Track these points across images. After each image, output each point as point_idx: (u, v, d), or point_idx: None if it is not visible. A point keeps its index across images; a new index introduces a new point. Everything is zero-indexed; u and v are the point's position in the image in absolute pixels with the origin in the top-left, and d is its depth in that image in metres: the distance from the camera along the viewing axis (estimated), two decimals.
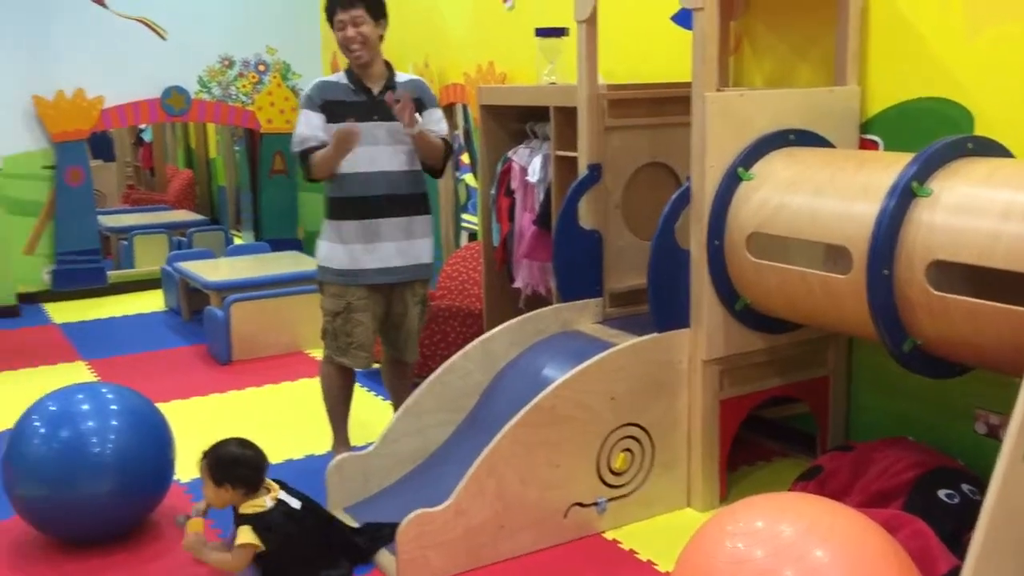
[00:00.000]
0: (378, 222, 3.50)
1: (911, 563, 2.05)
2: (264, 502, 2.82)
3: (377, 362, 3.87)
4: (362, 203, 3.48)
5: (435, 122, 3.62)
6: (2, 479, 3.07)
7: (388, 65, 3.65)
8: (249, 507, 2.80)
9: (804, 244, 3.07)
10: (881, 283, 2.56)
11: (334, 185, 3.50)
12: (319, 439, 3.95)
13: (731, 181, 3.06)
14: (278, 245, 6.86)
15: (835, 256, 3.23)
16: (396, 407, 3.75)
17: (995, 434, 3.04)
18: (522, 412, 2.92)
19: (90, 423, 3.02)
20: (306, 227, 7.52)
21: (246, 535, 2.75)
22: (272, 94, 7.30)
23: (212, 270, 5.86)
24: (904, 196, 2.55)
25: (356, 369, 3.63)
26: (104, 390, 3.20)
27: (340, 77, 3.58)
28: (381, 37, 3.58)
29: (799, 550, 1.98)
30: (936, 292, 2.47)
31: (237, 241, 7.77)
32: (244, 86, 7.27)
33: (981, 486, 2.90)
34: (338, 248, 3.51)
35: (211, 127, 8.99)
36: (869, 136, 3.32)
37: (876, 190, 2.63)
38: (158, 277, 6.74)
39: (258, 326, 5.21)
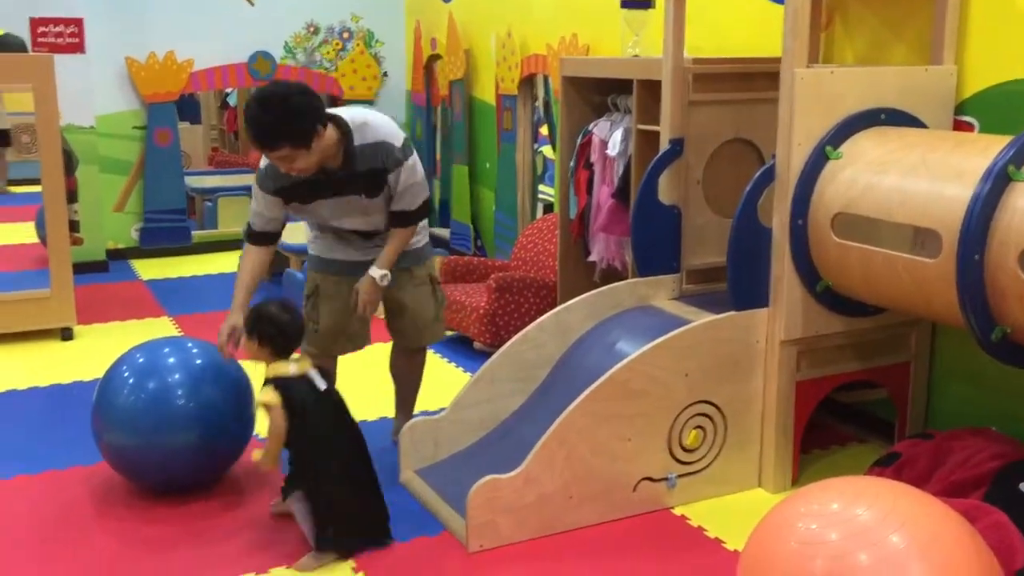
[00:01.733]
0: (356, 243, 3.37)
1: (991, 554, 2.00)
2: (288, 368, 2.88)
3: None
4: (335, 232, 3.35)
5: (403, 192, 3.18)
6: (92, 426, 3.19)
7: (341, 134, 3.05)
8: (273, 369, 2.87)
9: (889, 226, 3.01)
10: (972, 269, 2.50)
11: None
12: (391, 403, 4.01)
13: (818, 159, 3.00)
14: None
15: (921, 239, 3.16)
16: (399, 394, 3.69)
17: None
18: (595, 385, 2.93)
19: (176, 376, 3.12)
20: None
21: (265, 393, 2.82)
22: (355, 61, 7.37)
23: (292, 233, 5.94)
24: (999, 180, 2.47)
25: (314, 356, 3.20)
26: (190, 344, 3.30)
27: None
28: (323, 141, 2.99)
29: (875, 534, 1.96)
30: None
31: None
32: (328, 53, 7.36)
33: None
34: (315, 240, 3.41)
35: None
36: (964, 118, 3.21)
37: (970, 173, 2.55)
38: (240, 238, 6.86)
39: None
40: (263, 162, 3.12)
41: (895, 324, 3.29)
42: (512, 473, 2.85)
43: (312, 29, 7.29)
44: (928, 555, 1.92)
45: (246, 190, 7.82)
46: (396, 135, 3.17)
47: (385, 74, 7.50)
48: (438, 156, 7.20)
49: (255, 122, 2.88)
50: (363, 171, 3.11)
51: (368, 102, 7.45)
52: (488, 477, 2.83)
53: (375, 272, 3.25)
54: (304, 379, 2.88)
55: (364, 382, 4.33)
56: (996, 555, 2.11)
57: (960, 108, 3.21)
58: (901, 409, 3.45)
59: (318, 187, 3.12)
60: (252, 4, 7.06)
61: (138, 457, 3.12)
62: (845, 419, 3.75)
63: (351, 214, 3.25)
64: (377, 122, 3.14)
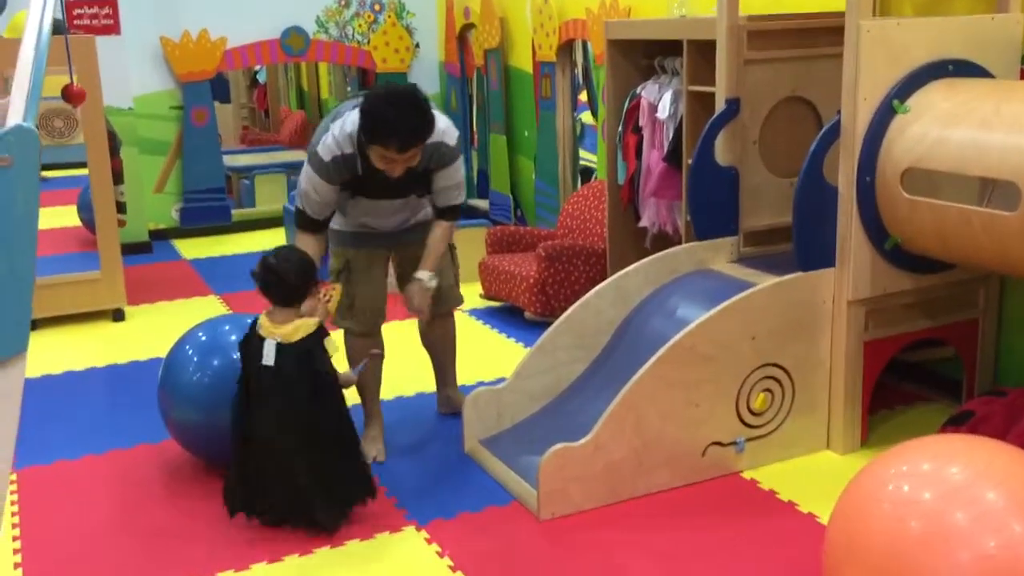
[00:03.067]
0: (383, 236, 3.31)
1: None
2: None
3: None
4: (368, 232, 3.28)
5: (447, 188, 3.17)
6: (158, 404, 3.20)
7: None
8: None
9: (953, 180, 2.94)
10: None
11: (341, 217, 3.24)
12: (430, 376, 4.00)
13: (885, 114, 2.93)
14: None
15: (989, 193, 3.09)
16: (436, 364, 3.64)
17: None
18: (662, 350, 2.90)
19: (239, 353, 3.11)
20: None
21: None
22: (387, 33, 7.31)
23: None
24: None
25: (356, 333, 3.31)
26: (249, 321, 3.29)
27: (348, 148, 2.97)
28: None
29: (970, 493, 1.92)
30: None
31: None
32: (360, 26, 7.31)
33: None
34: (339, 216, 3.24)
35: (323, 68, 9.08)
36: None
37: None
38: (279, 215, 6.89)
39: None
40: (326, 154, 2.97)
41: (963, 280, 3.23)
42: (582, 441, 2.84)
43: (344, 2, 7.24)
44: None
45: (281, 167, 7.84)
46: (452, 133, 3.11)
47: (417, 45, 7.44)
48: (474, 127, 7.15)
49: (406, 124, 2.81)
50: (421, 170, 3.06)
51: (401, 75, 7.41)
52: (559, 445, 2.82)
53: (423, 275, 3.20)
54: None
55: (401, 357, 4.33)
56: None
57: None
58: (969, 366, 3.39)
59: (391, 184, 3.00)
60: None
61: (204, 433, 3.12)
62: (910, 378, 3.70)
63: (403, 210, 3.22)
64: (437, 119, 3.00)
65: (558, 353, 3.37)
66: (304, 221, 3.14)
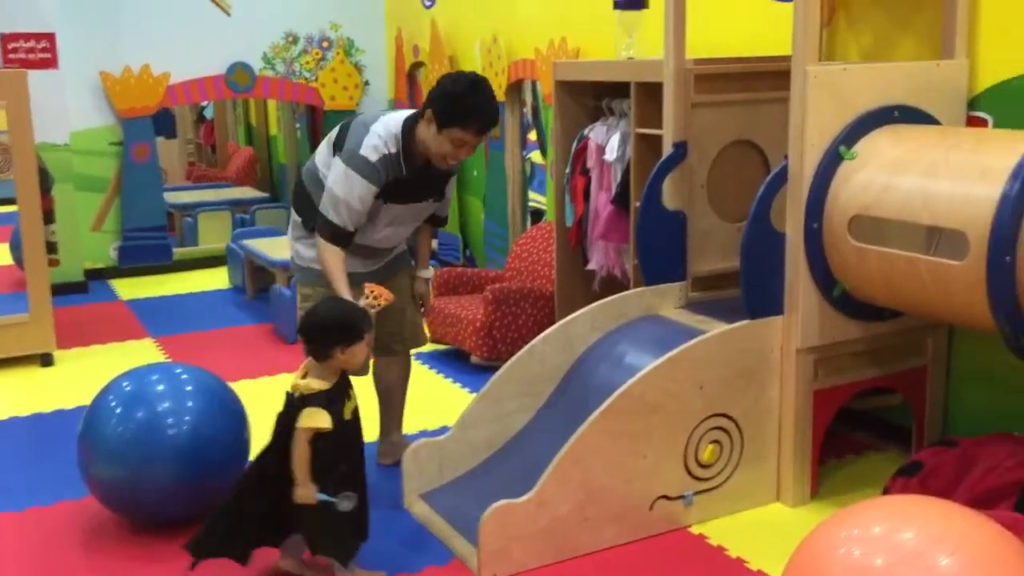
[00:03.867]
0: (376, 261, 3.29)
1: None
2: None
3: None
4: (368, 251, 3.23)
5: (448, 196, 3.31)
6: (77, 458, 3.03)
7: None
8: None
9: (899, 228, 2.91)
10: (1002, 271, 2.39)
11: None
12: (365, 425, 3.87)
13: (832, 160, 2.89)
14: None
15: (936, 241, 3.07)
16: (386, 407, 3.53)
17: None
18: (609, 400, 2.80)
19: (166, 404, 2.97)
20: None
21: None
22: (335, 70, 7.23)
23: (277, 248, 5.81)
24: None
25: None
26: (179, 370, 3.15)
27: (393, 147, 3.01)
28: None
29: (924, 560, 1.84)
30: None
31: None
32: (308, 63, 7.21)
33: None
34: None
35: (272, 104, 8.96)
36: (977, 113, 3.12)
37: (996, 171, 2.45)
38: (222, 254, 6.73)
39: None
40: (373, 154, 2.95)
41: (911, 328, 3.19)
42: (525, 497, 2.72)
43: (291, 39, 7.14)
44: None
45: (227, 204, 7.67)
46: None
47: (367, 83, 7.36)
48: None
49: (490, 106, 2.96)
50: (447, 172, 3.17)
51: (349, 112, 7.31)
52: (500, 502, 2.70)
53: (426, 274, 3.39)
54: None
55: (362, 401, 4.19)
56: None
57: (973, 103, 3.12)
58: (918, 415, 3.34)
59: (418, 186, 3.10)
60: (229, 15, 6.90)
61: (127, 490, 2.96)
62: (859, 426, 3.65)
63: (412, 220, 3.24)
64: None
65: (503, 402, 3.26)
66: (338, 234, 3.03)
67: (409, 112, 3.11)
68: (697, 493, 3.00)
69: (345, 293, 2.96)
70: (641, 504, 2.91)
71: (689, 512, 3.00)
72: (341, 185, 2.98)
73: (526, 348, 3.28)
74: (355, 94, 7.31)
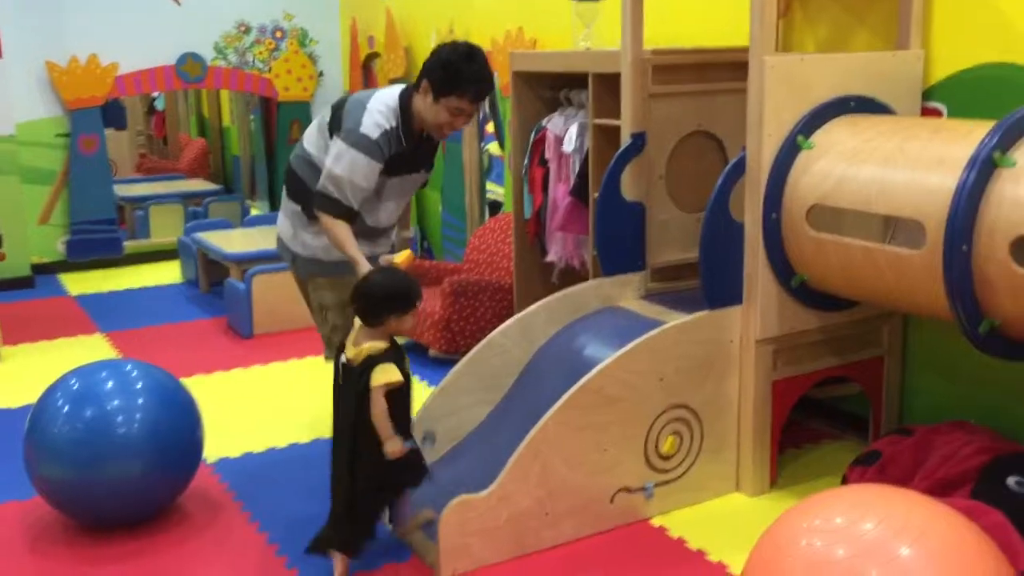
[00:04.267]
0: (382, 244, 3.27)
1: (1010, 568, 1.90)
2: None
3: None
4: (374, 232, 3.20)
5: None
6: (23, 458, 2.94)
7: None
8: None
9: (858, 218, 2.91)
10: (959, 260, 2.40)
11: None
12: (323, 421, 3.81)
13: (790, 150, 2.89)
14: None
15: (892, 231, 3.08)
16: None
17: None
18: (569, 393, 2.78)
19: (116, 402, 2.89)
20: None
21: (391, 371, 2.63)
22: (289, 61, 7.12)
23: (231, 241, 5.72)
24: (985, 167, 2.37)
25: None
26: (129, 367, 3.07)
27: (393, 121, 3.02)
28: None
29: (885, 550, 1.84)
30: (1020, 270, 2.31)
31: (254, 212, 7.62)
32: (261, 53, 7.09)
33: None
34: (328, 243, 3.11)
35: (225, 95, 8.82)
36: (932, 103, 3.14)
37: (953, 161, 2.46)
38: (174, 248, 6.60)
39: (281, 299, 5.04)
40: (374, 131, 2.95)
41: (868, 318, 3.21)
42: (485, 492, 2.69)
43: (243, 28, 7.01)
44: (945, 569, 1.81)
45: (178, 197, 7.53)
46: None
47: (321, 74, 7.26)
48: None
49: (484, 73, 2.98)
50: (432, 143, 3.18)
51: (304, 103, 7.21)
52: (460, 497, 2.66)
53: (407, 233, 3.46)
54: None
55: (319, 396, 4.12)
56: None
57: (928, 94, 3.14)
58: (875, 404, 3.37)
59: (413, 159, 3.10)
60: (179, 3, 6.76)
61: (76, 491, 2.87)
62: (817, 415, 3.67)
63: (409, 192, 3.24)
64: None
65: (461, 396, 3.23)
66: (341, 210, 3.00)
67: (402, 86, 3.11)
68: (657, 485, 2.99)
69: (362, 261, 2.95)
70: (602, 497, 2.90)
71: (650, 504, 2.99)
72: (345, 165, 2.96)
73: (484, 341, 3.24)
74: (309, 85, 7.20)
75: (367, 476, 2.64)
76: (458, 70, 2.93)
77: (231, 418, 3.90)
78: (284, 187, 3.29)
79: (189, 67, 6.81)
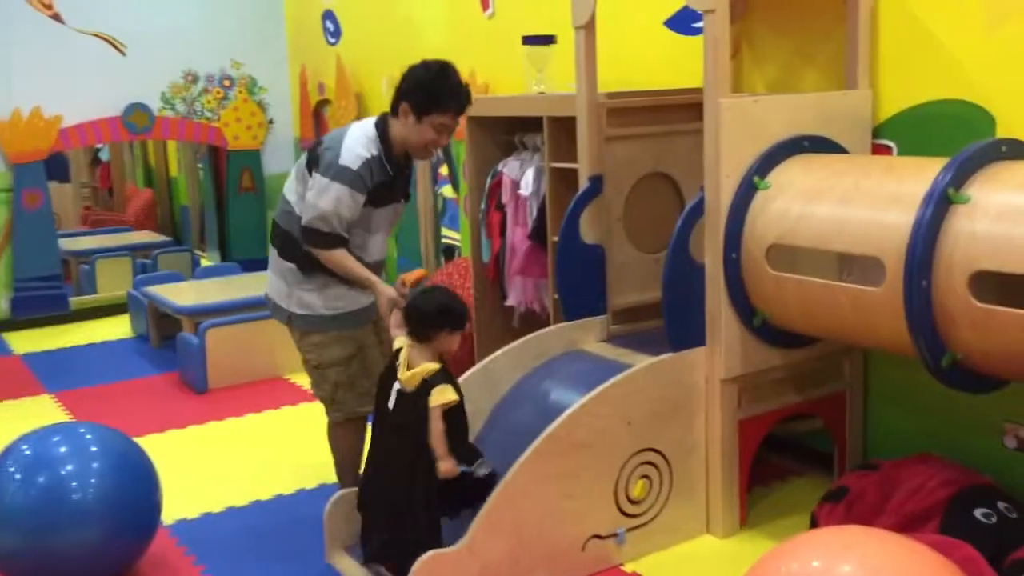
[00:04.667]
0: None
1: None
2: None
3: None
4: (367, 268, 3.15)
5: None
6: None
7: None
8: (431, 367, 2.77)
9: (814, 255, 2.95)
10: (919, 295, 2.43)
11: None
12: (311, 471, 3.75)
13: (747, 191, 2.92)
14: (249, 266, 6.62)
15: (848, 267, 3.12)
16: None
17: None
18: (537, 442, 2.75)
19: (69, 467, 2.79)
20: None
21: (448, 392, 2.72)
22: (238, 109, 7.07)
23: (183, 294, 5.62)
24: (940, 203, 2.42)
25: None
26: (82, 430, 2.97)
27: (375, 149, 3.02)
28: None
29: None
30: (980, 304, 2.34)
31: (204, 263, 7.51)
32: (209, 102, 7.03)
33: (1017, 504, 2.79)
34: (340, 291, 3.11)
35: (172, 145, 8.72)
36: (882, 141, 3.20)
37: (909, 197, 2.50)
38: (123, 302, 6.46)
39: (235, 352, 4.98)
40: (355, 162, 2.96)
41: (829, 354, 3.23)
42: (455, 546, 2.64)
43: (190, 78, 6.96)
44: None
45: (126, 250, 7.39)
46: None
47: (271, 121, 7.22)
48: None
49: (461, 86, 3.02)
50: (408, 174, 3.22)
51: (254, 151, 7.16)
52: (431, 552, 2.60)
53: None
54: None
55: (277, 451, 4.04)
56: None
57: (877, 131, 3.20)
58: (839, 438, 3.38)
59: (394, 187, 3.11)
60: (124, 53, 6.68)
61: (31, 561, 2.75)
62: (782, 452, 3.67)
63: (393, 223, 3.25)
64: None
65: None
66: (335, 240, 3.02)
67: (374, 118, 3.11)
68: (629, 530, 2.96)
69: (375, 280, 3.03)
70: (573, 545, 2.86)
71: (622, 550, 2.95)
72: (330, 199, 2.96)
73: None
74: (259, 133, 7.16)
75: (426, 499, 2.69)
76: (438, 86, 2.97)
77: (187, 478, 3.80)
78: (273, 247, 3.24)
79: (136, 118, 6.73)
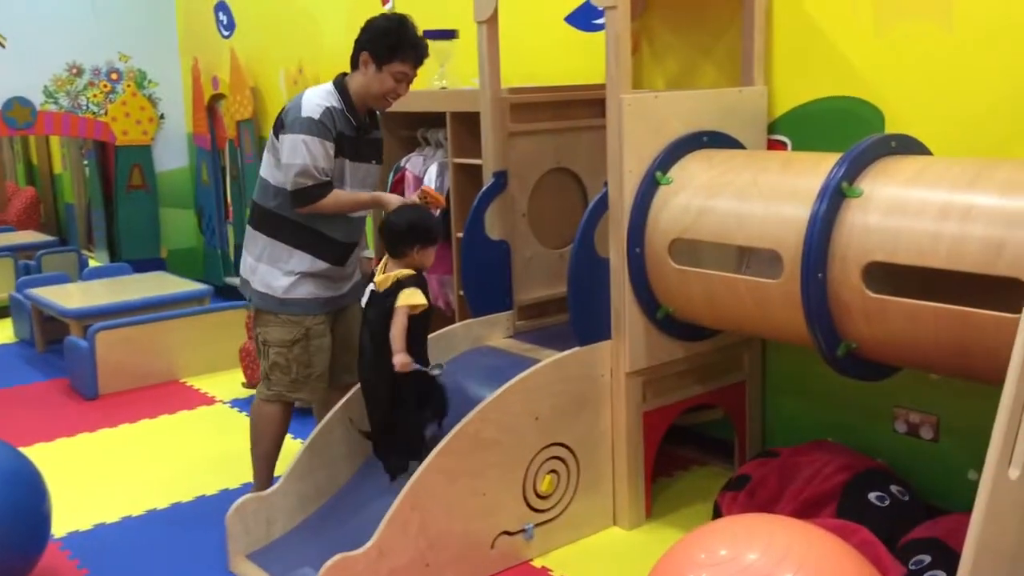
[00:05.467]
0: (349, 267, 3.23)
1: None
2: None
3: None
4: (341, 248, 3.15)
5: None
6: None
7: None
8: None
9: (713, 249, 3.00)
10: (815, 287, 2.50)
11: (318, 219, 3.06)
12: (210, 477, 3.64)
13: (649, 186, 2.95)
14: (140, 266, 6.39)
15: (747, 260, 3.19)
16: None
17: (915, 432, 3.04)
18: (444, 440, 2.72)
19: None
20: (170, 245, 7.06)
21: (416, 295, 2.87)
22: (127, 104, 6.81)
23: (69, 296, 5.38)
24: (835, 197, 2.48)
25: (305, 405, 3.35)
26: None
27: (334, 101, 3.03)
28: None
29: None
30: (873, 294, 2.42)
31: (93, 263, 7.21)
32: (95, 96, 6.75)
33: (908, 486, 2.89)
34: (299, 279, 3.09)
35: (55, 141, 8.35)
36: (777, 136, 3.28)
37: (805, 192, 2.56)
38: (6, 305, 6.15)
39: (128, 356, 4.79)
40: (315, 111, 2.97)
41: (730, 345, 3.30)
42: (363, 548, 2.59)
43: (75, 71, 6.66)
44: None
45: (7, 250, 7.04)
46: None
47: (162, 116, 6.97)
48: (229, 200, 6.76)
49: (419, 37, 3.05)
50: (377, 137, 3.20)
51: (145, 147, 6.91)
52: (338, 556, 2.55)
53: (367, 253, 3.45)
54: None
55: (174, 458, 3.91)
56: None
57: (772, 127, 3.28)
58: (739, 427, 3.46)
59: (357, 144, 3.09)
60: (3, 45, 6.36)
61: None
62: (684, 442, 3.73)
63: (370, 185, 3.21)
64: None
65: (333, 448, 3.11)
66: (323, 187, 3.01)
67: (326, 83, 3.12)
68: (537, 525, 2.96)
69: (378, 195, 3.14)
70: (483, 543, 2.84)
71: (530, 545, 2.95)
72: (303, 152, 2.95)
73: (355, 389, 3.14)
74: (149, 128, 6.91)
75: (389, 396, 2.86)
76: (398, 36, 3.01)
77: (79, 488, 3.64)
78: (249, 226, 3.21)
79: (16, 112, 6.41)
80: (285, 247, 3.09)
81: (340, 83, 3.09)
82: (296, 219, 3.06)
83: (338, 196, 3.04)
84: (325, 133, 2.97)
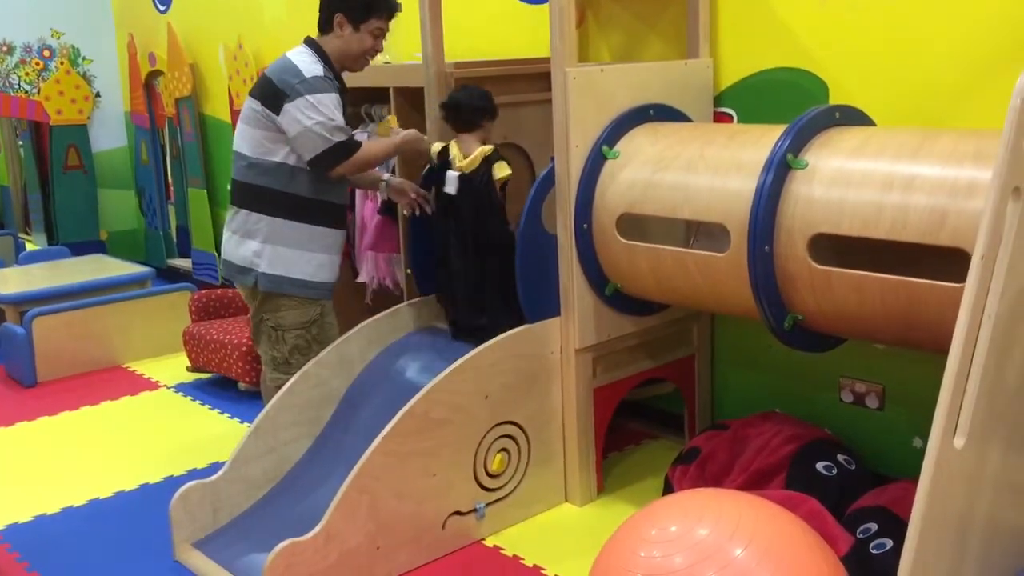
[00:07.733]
0: (343, 231, 3.22)
1: (833, 555, 1.98)
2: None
3: None
4: (339, 211, 3.15)
5: None
6: None
7: None
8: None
9: (661, 224, 2.99)
10: (762, 260, 2.49)
11: (318, 187, 3.02)
12: (155, 465, 3.56)
13: (596, 160, 2.92)
14: (79, 249, 6.23)
15: (695, 233, 3.19)
16: None
17: (861, 402, 3.07)
18: (393, 421, 2.68)
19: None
20: (110, 227, 6.88)
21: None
22: (61, 82, 6.59)
23: (5, 281, 5.22)
24: (780, 169, 2.48)
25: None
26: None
27: (320, 64, 3.01)
28: None
29: (722, 553, 1.87)
30: (818, 266, 2.42)
31: (30, 247, 7.00)
32: (27, 74, 6.53)
33: (855, 455, 2.93)
34: (323, 259, 3.08)
35: None
36: (723, 109, 3.27)
37: (750, 164, 2.55)
38: None
39: (67, 341, 4.67)
40: (315, 71, 2.96)
41: (679, 319, 3.30)
42: (312, 533, 2.54)
43: (5, 48, 6.44)
44: (778, 566, 1.85)
45: None
46: None
47: (98, 95, 6.78)
48: (170, 180, 6.61)
49: None
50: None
51: (81, 127, 6.71)
52: (286, 542, 2.50)
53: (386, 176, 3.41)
54: None
55: (116, 446, 3.82)
56: None
57: (718, 99, 3.26)
58: (689, 401, 3.47)
59: (344, 107, 3.06)
60: None
61: None
62: (634, 417, 3.74)
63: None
64: None
65: (279, 432, 3.05)
66: (351, 144, 3.01)
67: (296, 47, 3.08)
68: (488, 504, 2.94)
69: (399, 139, 3.18)
70: (434, 524, 2.82)
71: (482, 525, 2.93)
72: (320, 111, 2.92)
73: (300, 372, 3.09)
74: (85, 107, 6.71)
75: (500, 262, 3.01)
76: None
77: (18, 479, 3.54)
78: (236, 207, 3.11)
79: None
80: (297, 224, 3.03)
81: (314, 45, 3.06)
82: (296, 192, 3.01)
83: (370, 147, 3.08)
84: (333, 88, 2.98)
